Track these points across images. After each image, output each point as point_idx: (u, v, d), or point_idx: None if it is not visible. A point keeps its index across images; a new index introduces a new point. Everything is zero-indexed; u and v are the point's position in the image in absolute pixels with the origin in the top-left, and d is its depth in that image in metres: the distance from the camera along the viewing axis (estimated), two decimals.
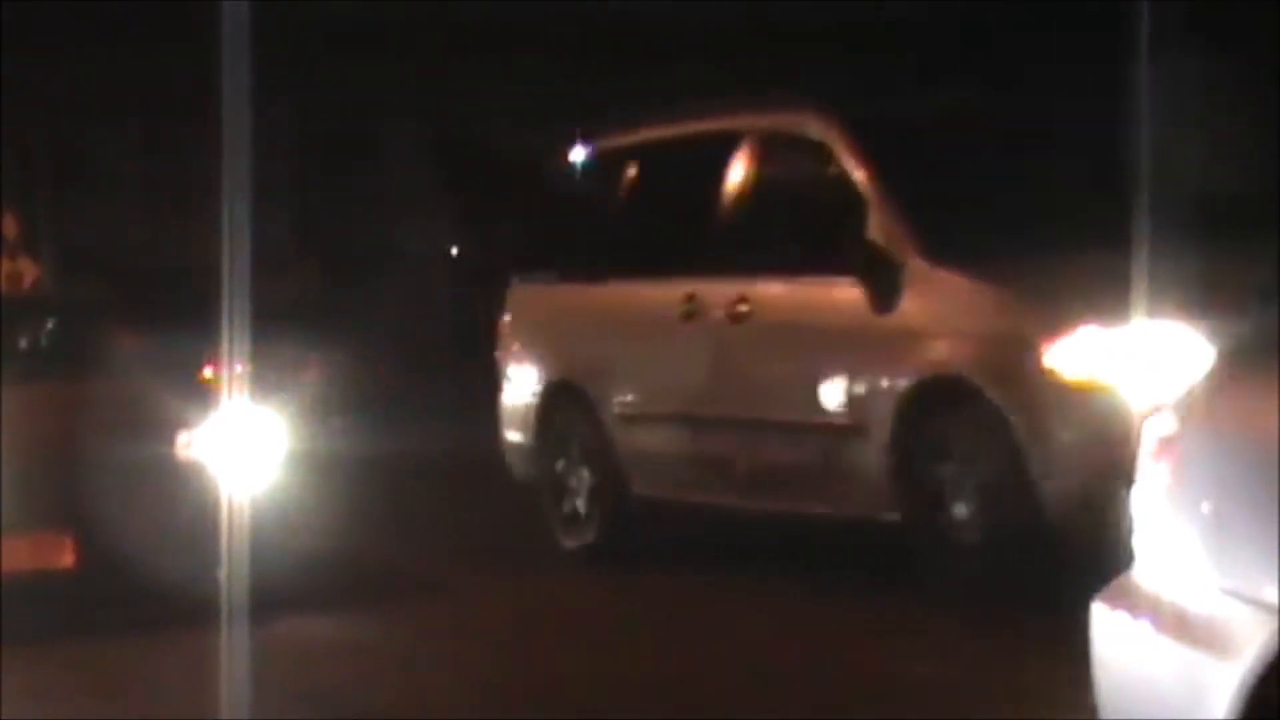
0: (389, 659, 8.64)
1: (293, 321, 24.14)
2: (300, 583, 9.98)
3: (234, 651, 7.67)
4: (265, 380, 17.80)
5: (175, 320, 11.90)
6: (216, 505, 9.08)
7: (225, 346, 9.47)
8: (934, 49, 21.97)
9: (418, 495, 15.91)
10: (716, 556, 10.73)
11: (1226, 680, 3.07)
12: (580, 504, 11.09)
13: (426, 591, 10.77)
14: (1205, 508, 3.44)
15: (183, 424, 9.69)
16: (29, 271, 12.01)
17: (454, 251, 39.19)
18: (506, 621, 9.62)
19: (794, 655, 8.04)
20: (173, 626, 8.84)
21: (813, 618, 8.59)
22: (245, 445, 9.72)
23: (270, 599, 8.79)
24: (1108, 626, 3.62)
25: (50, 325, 11.02)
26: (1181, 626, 3.35)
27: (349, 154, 36.80)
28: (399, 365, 26.88)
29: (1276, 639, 2.98)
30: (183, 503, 9.39)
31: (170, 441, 9.63)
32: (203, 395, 9.97)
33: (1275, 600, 3.04)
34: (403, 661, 8.55)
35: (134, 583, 9.10)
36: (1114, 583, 3.71)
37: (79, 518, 9.24)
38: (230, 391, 9.87)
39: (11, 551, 9.01)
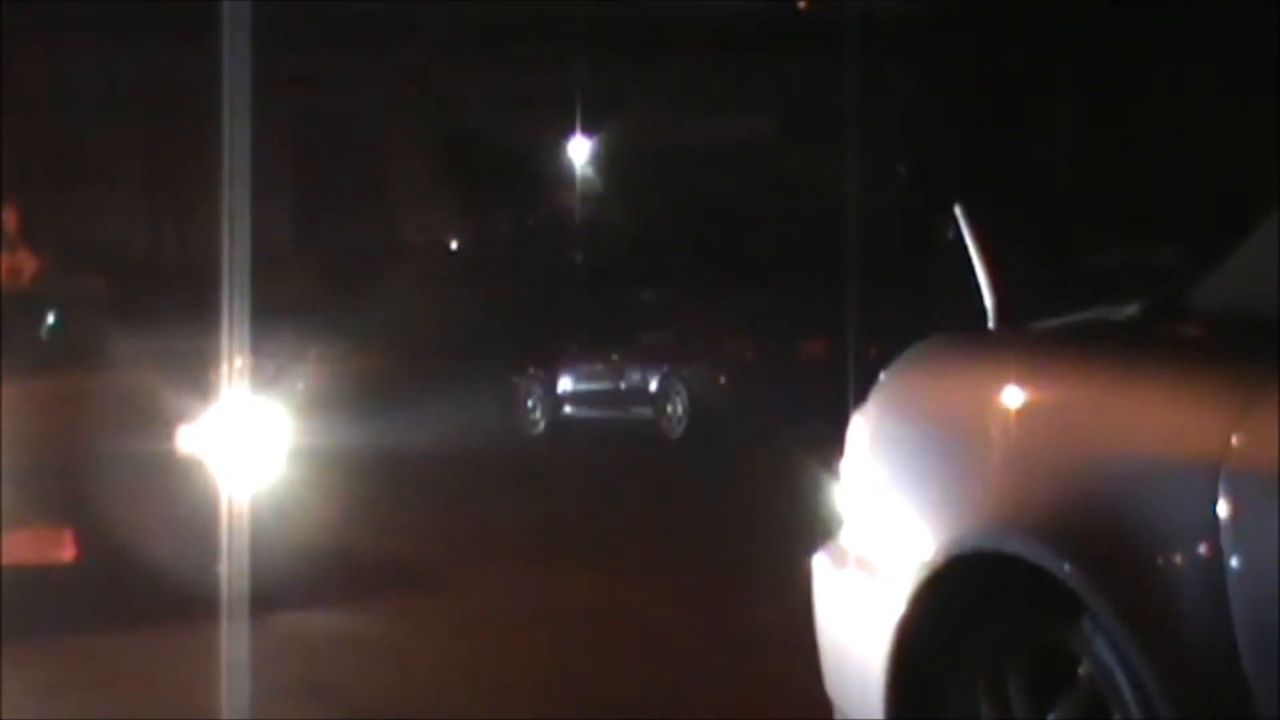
0: (388, 653, 8.66)
1: (292, 316, 24.20)
2: (300, 577, 10.01)
3: (234, 645, 7.70)
4: (265, 375, 17.88)
5: (176, 315, 11.92)
6: (216, 500, 9.11)
7: (225, 341, 9.50)
8: None
9: (416, 489, 15.94)
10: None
11: (894, 606, 3.86)
12: None
13: (425, 585, 10.80)
14: (883, 479, 4.20)
15: (183, 418, 9.71)
16: (29, 265, 12.00)
17: (453, 245, 39.23)
18: (505, 615, 9.65)
19: None
20: (173, 620, 8.86)
21: None
22: (245, 440, 9.74)
23: (270, 593, 8.82)
24: (821, 571, 4.44)
25: (50, 320, 11.03)
26: (866, 567, 4.16)
27: (348, 149, 36.80)
28: (398, 359, 26.92)
29: (923, 574, 3.77)
30: (183, 497, 9.41)
31: (170, 436, 9.64)
32: (203, 390, 9.98)
33: (920, 555, 3.81)
34: (401, 655, 8.57)
35: (134, 577, 9.13)
36: (830, 542, 4.45)
37: (79, 512, 9.25)
38: (230, 386, 9.89)
39: (12, 546, 9.02)
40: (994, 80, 22.41)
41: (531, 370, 24.98)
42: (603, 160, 36.16)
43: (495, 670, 8.15)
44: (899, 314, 20.70)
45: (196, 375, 10.14)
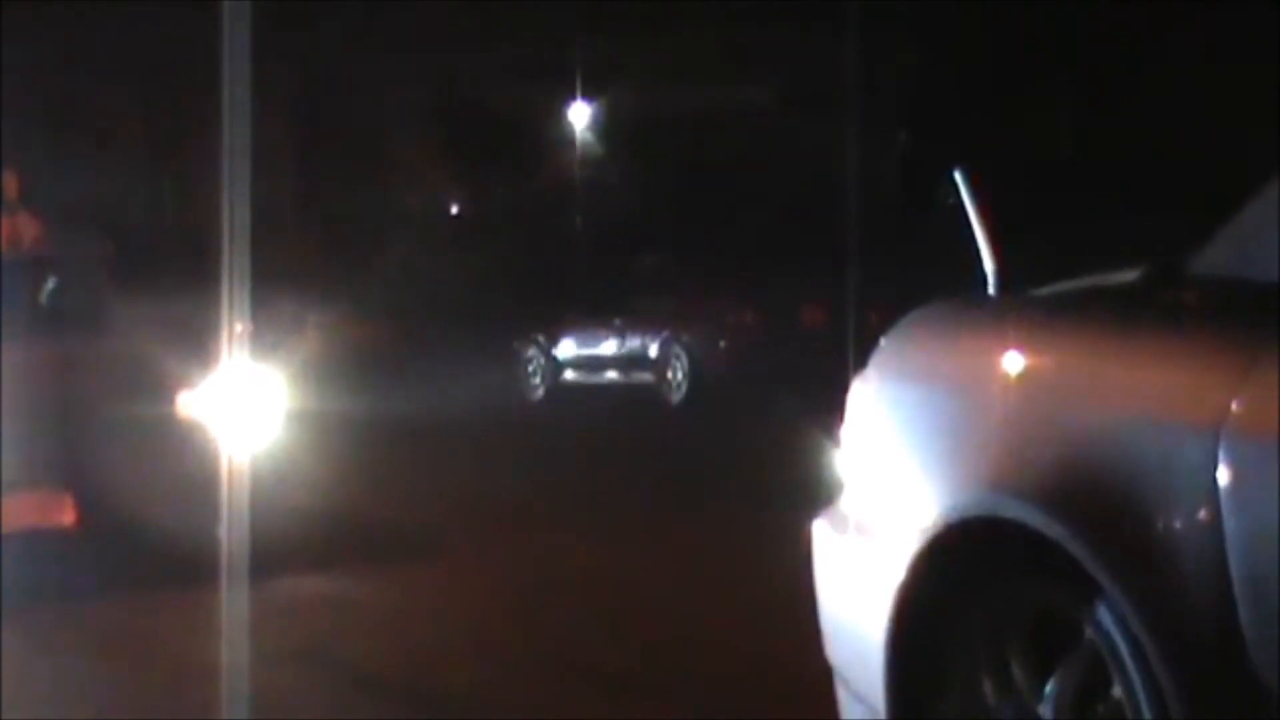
0: (387, 617, 8.68)
1: (293, 282, 24.21)
2: (299, 542, 10.03)
3: (233, 609, 7.71)
4: (265, 340, 17.90)
5: (177, 280, 11.92)
6: (216, 464, 9.12)
7: (225, 307, 9.51)
8: None
9: (416, 454, 15.97)
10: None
11: (894, 572, 3.87)
12: None
13: (425, 550, 10.82)
14: (883, 444, 4.21)
15: (183, 384, 9.71)
16: (30, 230, 12.00)
17: (453, 211, 39.20)
18: (505, 581, 9.67)
19: None
20: (172, 584, 8.88)
21: None
22: (245, 405, 9.75)
23: (269, 558, 8.83)
24: (821, 537, 4.45)
25: (51, 284, 11.03)
26: (866, 533, 4.17)
27: (349, 116, 36.75)
28: (398, 325, 26.93)
29: (923, 540, 3.78)
30: (182, 461, 9.42)
31: (170, 400, 9.65)
32: (203, 356, 9.99)
33: (920, 521, 3.82)
34: (401, 620, 8.59)
35: (134, 541, 9.14)
36: (830, 508, 4.48)
37: (79, 476, 9.26)
38: (230, 351, 9.90)
39: (12, 510, 9.04)
40: (995, 46, 22.37)
41: (532, 336, 24.98)
42: (604, 126, 36.12)
43: (494, 636, 8.17)
44: (899, 279, 20.72)
45: (197, 341, 10.15)
